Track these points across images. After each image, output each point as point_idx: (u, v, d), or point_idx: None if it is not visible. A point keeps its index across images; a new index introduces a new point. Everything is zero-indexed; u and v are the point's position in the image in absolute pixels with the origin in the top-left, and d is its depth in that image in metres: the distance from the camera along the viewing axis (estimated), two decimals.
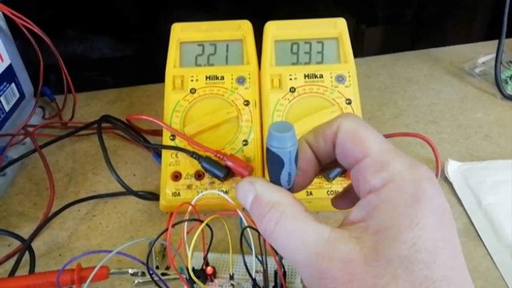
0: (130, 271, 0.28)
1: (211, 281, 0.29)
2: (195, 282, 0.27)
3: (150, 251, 0.26)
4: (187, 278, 0.27)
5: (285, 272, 0.28)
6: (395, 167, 0.18)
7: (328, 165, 0.23)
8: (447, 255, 0.17)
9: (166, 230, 0.25)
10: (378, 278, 0.16)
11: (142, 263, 0.25)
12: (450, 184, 0.40)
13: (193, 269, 0.28)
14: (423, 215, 0.17)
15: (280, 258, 0.25)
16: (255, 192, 0.20)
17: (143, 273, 0.28)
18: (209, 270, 0.29)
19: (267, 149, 0.19)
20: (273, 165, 0.20)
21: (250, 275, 0.27)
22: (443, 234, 0.17)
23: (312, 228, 0.18)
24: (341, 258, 0.17)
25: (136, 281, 0.28)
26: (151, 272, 0.26)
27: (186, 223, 0.27)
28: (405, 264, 0.16)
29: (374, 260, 0.17)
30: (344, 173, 0.37)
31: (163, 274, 0.28)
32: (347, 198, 0.25)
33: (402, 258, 0.16)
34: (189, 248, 0.25)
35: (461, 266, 0.17)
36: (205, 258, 0.29)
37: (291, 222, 0.19)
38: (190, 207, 0.27)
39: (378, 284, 0.16)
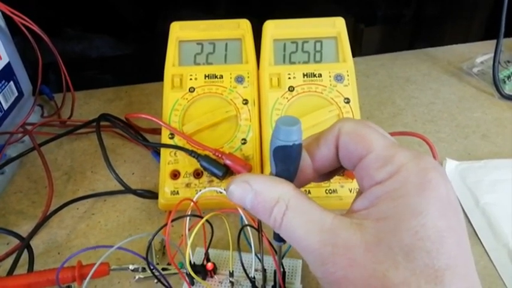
0: (131, 267, 0.28)
1: (211, 277, 0.29)
2: (194, 278, 0.27)
3: (150, 244, 0.26)
4: (187, 273, 0.27)
5: (285, 273, 0.28)
6: (400, 160, 0.18)
7: (326, 175, 0.23)
8: (451, 244, 0.17)
9: (166, 224, 0.25)
10: (378, 263, 0.16)
11: (143, 257, 0.25)
12: None
13: (193, 264, 0.28)
14: (427, 203, 0.17)
15: (279, 258, 0.25)
16: (253, 191, 0.20)
17: (144, 269, 0.28)
18: (209, 266, 0.29)
19: (273, 142, 0.19)
20: (279, 159, 0.20)
21: (247, 275, 0.27)
22: (448, 223, 0.17)
23: (315, 217, 0.19)
24: (342, 244, 0.17)
25: (137, 277, 0.28)
26: (151, 267, 0.26)
27: (188, 218, 0.27)
28: (406, 251, 0.16)
29: (375, 246, 0.17)
30: (343, 172, 0.37)
31: (163, 269, 0.28)
32: None
33: (403, 245, 0.16)
34: (189, 243, 0.25)
35: (466, 255, 0.17)
36: (206, 253, 0.29)
37: (296, 214, 0.19)
38: (190, 204, 0.28)
39: (377, 269, 0.16)
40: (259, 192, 0.20)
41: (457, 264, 0.17)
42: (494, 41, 0.53)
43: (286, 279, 0.29)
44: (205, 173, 0.37)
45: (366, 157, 0.19)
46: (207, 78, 0.40)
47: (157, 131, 0.42)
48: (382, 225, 0.17)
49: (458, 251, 0.17)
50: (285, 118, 0.19)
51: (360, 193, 0.24)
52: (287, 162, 0.20)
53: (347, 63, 0.41)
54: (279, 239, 0.23)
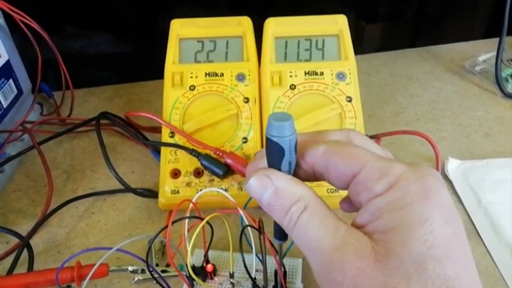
0: (130, 268, 0.28)
1: (211, 278, 0.29)
2: (194, 280, 0.27)
3: (150, 248, 0.26)
4: (187, 275, 0.27)
5: (285, 272, 0.28)
6: (397, 170, 0.18)
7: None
8: (459, 252, 0.17)
9: (166, 227, 0.25)
10: (389, 276, 0.16)
11: (142, 260, 0.25)
12: (450, 182, 0.40)
13: (193, 266, 0.28)
14: (432, 210, 0.17)
15: (281, 257, 0.25)
16: (273, 186, 0.19)
17: (143, 271, 0.28)
18: (209, 267, 0.29)
19: (267, 138, 0.19)
20: (273, 155, 0.20)
21: (250, 275, 0.27)
22: (453, 230, 0.17)
23: (331, 222, 0.18)
24: (353, 252, 0.17)
25: (136, 278, 0.28)
26: (151, 269, 0.26)
27: (187, 220, 0.26)
28: (417, 262, 0.16)
29: (385, 258, 0.16)
30: None
31: (163, 271, 0.28)
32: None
33: (414, 256, 0.16)
34: (189, 246, 0.25)
35: (472, 265, 0.17)
36: (205, 255, 0.29)
37: (313, 216, 0.19)
38: (190, 204, 0.27)
39: (388, 282, 0.16)
40: (280, 189, 0.19)
41: (465, 272, 0.17)
42: (496, 39, 0.53)
43: (287, 279, 0.29)
44: (205, 172, 0.37)
45: (360, 172, 0.19)
46: (207, 76, 0.40)
47: (157, 130, 0.42)
48: (391, 235, 0.17)
49: (465, 260, 0.17)
50: (277, 114, 0.19)
51: (349, 202, 0.23)
52: (281, 158, 0.19)
53: (349, 61, 0.40)
54: (280, 237, 0.23)
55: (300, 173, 0.21)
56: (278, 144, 0.19)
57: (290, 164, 0.20)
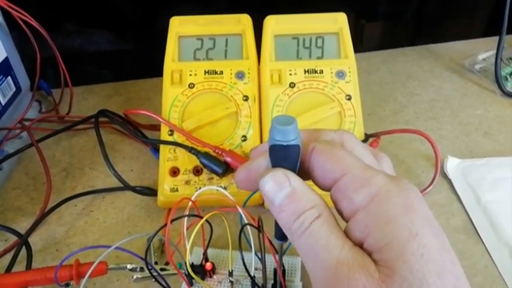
0: (129, 266, 0.28)
1: (210, 277, 0.29)
2: (193, 278, 0.27)
3: (149, 246, 0.26)
4: (186, 273, 0.27)
5: (284, 271, 0.28)
6: (378, 181, 0.18)
7: None
8: (450, 263, 0.17)
9: (165, 225, 0.25)
10: None
11: (141, 258, 0.25)
12: (449, 181, 0.40)
13: (192, 265, 0.28)
14: (419, 223, 0.17)
15: (280, 256, 0.25)
16: (291, 187, 0.19)
17: (142, 269, 0.28)
18: (208, 266, 0.29)
19: (271, 143, 0.19)
20: (277, 160, 0.19)
21: (249, 274, 0.27)
22: (441, 243, 0.17)
23: (340, 236, 0.18)
24: (359, 268, 0.17)
25: (135, 277, 0.28)
26: (150, 267, 0.26)
27: (186, 218, 0.26)
28: (419, 278, 0.16)
29: (389, 277, 0.16)
30: None
31: (162, 269, 0.28)
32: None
33: (415, 272, 0.16)
34: (188, 244, 0.25)
35: (463, 274, 0.17)
36: (204, 253, 0.29)
37: (325, 225, 0.18)
38: (189, 203, 0.27)
39: None
40: (297, 191, 0.19)
41: (459, 282, 0.16)
42: (496, 38, 0.52)
43: (286, 277, 0.29)
44: (205, 170, 0.37)
45: (341, 179, 0.19)
46: (207, 74, 0.40)
47: (156, 128, 0.42)
48: (387, 253, 0.17)
49: (456, 269, 0.17)
50: (281, 117, 0.19)
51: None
52: (285, 163, 0.19)
53: (349, 60, 0.40)
54: (280, 238, 0.22)
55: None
56: (281, 149, 0.19)
57: (293, 169, 0.20)
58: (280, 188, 0.19)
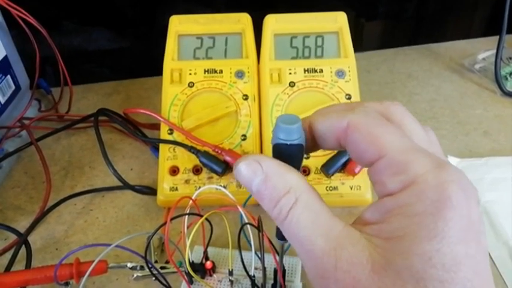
0: (129, 265, 0.28)
1: (210, 275, 0.29)
2: (193, 277, 0.27)
3: (148, 244, 0.26)
4: (186, 272, 0.27)
5: (284, 271, 0.28)
6: (417, 169, 0.16)
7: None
8: (467, 272, 0.15)
9: (165, 223, 0.25)
10: None
11: (141, 256, 0.25)
12: None
13: (192, 263, 0.28)
14: (445, 225, 0.15)
15: (281, 257, 0.25)
16: (263, 174, 0.18)
17: (142, 267, 0.28)
18: (208, 264, 0.29)
19: (274, 140, 0.19)
20: (280, 158, 0.19)
21: (248, 274, 0.27)
22: (466, 249, 0.15)
23: (324, 221, 0.17)
24: (347, 259, 0.16)
25: (135, 275, 0.28)
26: (150, 265, 0.26)
27: (187, 216, 0.26)
28: (416, 279, 0.14)
29: (382, 269, 0.15)
30: (343, 168, 0.37)
31: (162, 268, 0.28)
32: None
33: (413, 272, 0.15)
34: (187, 244, 0.25)
35: (484, 284, 0.15)
36: (205, 252, 0.29)
37: (305, 211, 0.17)
38: (189, 201, 0.27)
39: None
40: (270, 177, 0.18)
41: None
42: (496, 37, 0.52)
43: (286, 277, 0.29)
44: (204, 169, 0.37)
45: (378, 162, 0.17)
46: (206, 73, 0.40)
47: (156, 126, 0.42)
48: (393, 245, 0.15)
49: (475, 281, 0.15)
50: (286, 116, 0.19)
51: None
52: (288, 162, 0.19)
53: (348, 59, 0.40)
54: (281, 237, 0.22)
55: (320, 142, 0.20)
56: (285, 147, 0.19)
57: (296, 168, 0.20)
58: (254, 175, 0.18)
